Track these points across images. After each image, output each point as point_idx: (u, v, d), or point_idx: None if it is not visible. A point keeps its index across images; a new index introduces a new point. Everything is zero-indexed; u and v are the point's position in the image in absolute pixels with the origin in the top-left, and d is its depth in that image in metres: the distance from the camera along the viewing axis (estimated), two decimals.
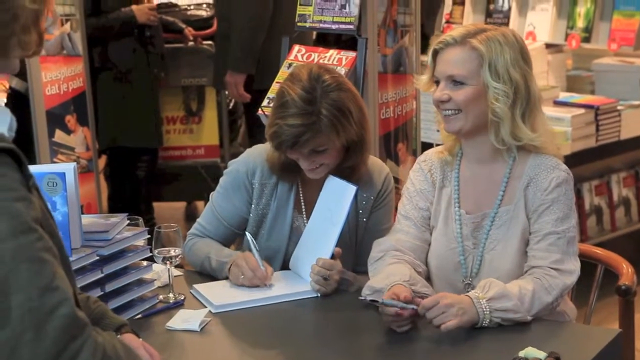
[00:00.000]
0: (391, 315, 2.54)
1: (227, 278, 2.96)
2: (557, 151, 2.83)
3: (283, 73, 3.75)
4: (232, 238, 3.16)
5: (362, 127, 2.96)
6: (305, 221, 3.08)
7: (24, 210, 1.66)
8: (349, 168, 3.00)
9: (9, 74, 4.67)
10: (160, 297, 2.84)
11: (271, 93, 3.71)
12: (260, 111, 3.70)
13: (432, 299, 2.56)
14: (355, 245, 3.08)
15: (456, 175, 2.86)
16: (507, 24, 5.67)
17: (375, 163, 3.12)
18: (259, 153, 3.10)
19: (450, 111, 2.75)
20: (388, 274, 2.70)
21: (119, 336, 2.21)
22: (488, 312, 2.54)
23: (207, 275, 3.04)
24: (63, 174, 2.50)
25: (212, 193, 3.17)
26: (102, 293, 2.62)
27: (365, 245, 3.04)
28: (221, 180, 3.15)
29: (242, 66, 5.23)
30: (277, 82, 3.73)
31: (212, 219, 3.13)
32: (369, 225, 3.08)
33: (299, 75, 2.93)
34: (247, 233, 2.99)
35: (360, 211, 3.06)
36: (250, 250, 2.94)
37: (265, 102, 3.70)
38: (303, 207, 3.09)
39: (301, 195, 3.09)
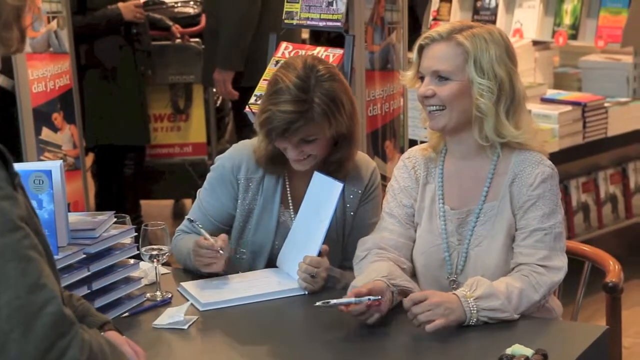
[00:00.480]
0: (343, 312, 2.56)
1: (210, 275, 2.97)
2: (541, 147, 2.83)
3: (270, 70, 3.74)
4: (219, 234, 3.14)
5: (352, 120, 2.97)
6: (292, 216, 3.08)
7: (9, 208, 1.66)
8: (335, 162, 3.00)
9: None
10: (147, 295, 2.83)
11: (258, 90, 3.70)
12: (247, 109, 3.69)
13: (421, 294, 2.56)
14: (342, 240, 3.08)
15: (440, 171, 2.86)
16: (494, 21, 5.67)
17: (362, 157, 3.13)
18: (244, 148, 3.11)
19: (434, 107, 2.75)
20: (369, 272, 2.71)
21: (102, 334, 2.20)
22: (475, 311, 2.54)
23: (195, 273, 3.03)
24: (49, 171, 2.49)
25: (199, 190, 3.17)
26: (88, 291, 2.62)
27: (353, 239, 3.04)
28: (208, 176, 3.15)
29: (230, 63, 5.24)
30: (264, 80, 3.73)
31: (199, 215, 3.13)
32: (356, 220, 3.08)
33: (293, 64, 2.94)
34: (187, 218, 3.04)
35: (348, 205, 3.06)
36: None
37: (252, 100, 3.70)
38: (290, 202, 3.09)
39: (288, 190, 3.09)
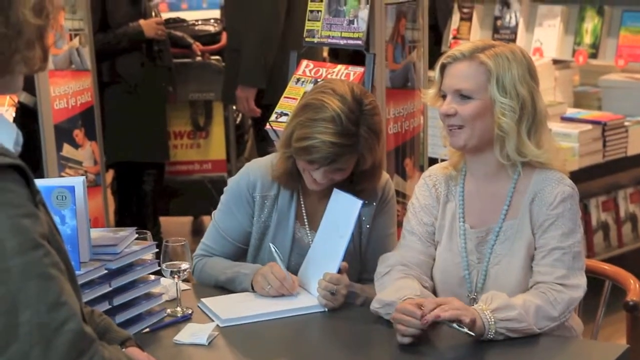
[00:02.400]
0: (406, 321, 2.53)
1: (243, 290, 2.97)
2: (562, 166, 2.83)
3: (291, 88, 3.75)
4: (239, 254, 3.15)
5: (383, 151, 2.99)
6: (307, 232, 3.08)
7: (31, 226, 1.66)
8: (360, 191, 2.98)
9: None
10: (168, 311, 2.84)
11: (279, 108, 3.71)
12: (268, 126, 3.70)
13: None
14: (360, 254, 3.09)
15: (461, 190, 2.86)
16: (514, 40, 5.68)
17: None
18: (258, 166, 3.11)
19: (456, 126, 2.75)
20: (398, 287, 2.71)
21: (124, 350, 2.21)
22: (493, 323, 2.53)
23: (215, 289, 3.04)
24: (72, 187, 2.50)
25: (213, 212, 3.17)
26: (110, 307, 2.62)
27: (370, 252, 3.05)
28: (222, 198, 3.15)
29: (253, 80, 5.25)
30: (285, 97, 3.74)
31: (217, 237, 3.14)
32: (373, 232, 3.09)
33: (340, 91, 2.89)
34: (270, 245, 2.98)
35: (363, 218, 3.06)
36: (275, 260, 2.94)
37: (273, 117, 3.71)
38: (305, 218, 3.09)
39: (303, 206, 3.09)
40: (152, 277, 2.82)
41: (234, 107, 6.19)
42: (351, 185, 2.99)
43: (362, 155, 2.89)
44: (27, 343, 1.61)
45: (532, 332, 2.58)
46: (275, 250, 2.94)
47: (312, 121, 2.87)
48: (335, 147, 2.84)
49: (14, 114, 4.94)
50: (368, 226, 3.08)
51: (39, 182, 1.77)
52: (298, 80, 3.77)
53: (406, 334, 2.54)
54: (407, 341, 2.55)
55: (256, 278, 2.94)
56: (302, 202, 3.09)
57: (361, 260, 3.09)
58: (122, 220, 5.88)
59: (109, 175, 6.05)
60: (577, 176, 3.91)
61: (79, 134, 4.96)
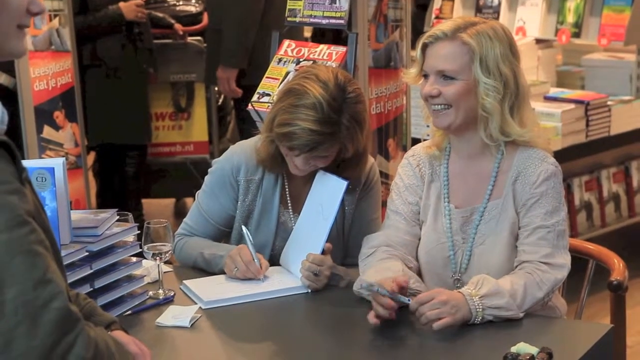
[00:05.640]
0: (381, 303, 2.52)
1: (221, 272, 2.96)
2: (546, 145, 2.82)
3: (273, 68, 3.73)
4: (220, 236, 3.14)
5: (367, 139, 2.96)
6: (291, 216, 3.07)
7: (17, 203, 1.66)
8: (345, 178, 2.96)
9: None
10: (150, 293, 2.82)
11: (261, 88, 3.69)
12: (249, 106, 3.68)
13: (428, 294, 2.54)
14: (343, 237, 3.07)
15: (445, 170, 2.85)
16: (496, 20, 5.65)
17: None
18: (242, 149, 3.08)
19: (439, 106, 2.73)
20: (381, 268, 2.69)
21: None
22: (480, 310, 2.53)
23: (197, 271, 3.02)
24: (52, 169, 2.48)
25: (197, 192, 3.15)
26: (91, 289, 2.61)
27: (354, 236, 3.03)
28: (206, 179, 3.13)
29: (234, 61, 5.24)
30: (267, 77, 3.71)
31: (199, 218, 3.12)
32: (356, 216, 3.07)
33: (324, 78, 2.85)
34: (243, 227, 2.97)
35: (346, 203, 3.04)
36: (245, 243, 2.93)
37: (255, 97, 3.69)
38: (289, 202, 3.07)
39: (287, 190, 3.07)
40: (134, 259, 2.81)
41: (216, 88, 6.17)
42: (336, 170, 2.97)
43: (344, 143, 2.87)
44: (12, 320, 1.61)
45: (517, 318, 2.58)
46: (246, 233, 2.93)
47: (293, 107, 2.84)
48: (316, 134, 2.81)
49: None
50: (351, 210, 3.06)
51: None
52: (280, 60, 3.75)
53: (381, 315, 2.53)
54: (375, 322, 2.54)
55: (226, 260, 2.92)
56: (286, 186, 3.07)
57: (344, 245, 3.08)
58: (104, 203, 5.87)
59: (91, 157, 6.02)
60: (560, 156, 3.90)
61: (59, 116, 4.93)
